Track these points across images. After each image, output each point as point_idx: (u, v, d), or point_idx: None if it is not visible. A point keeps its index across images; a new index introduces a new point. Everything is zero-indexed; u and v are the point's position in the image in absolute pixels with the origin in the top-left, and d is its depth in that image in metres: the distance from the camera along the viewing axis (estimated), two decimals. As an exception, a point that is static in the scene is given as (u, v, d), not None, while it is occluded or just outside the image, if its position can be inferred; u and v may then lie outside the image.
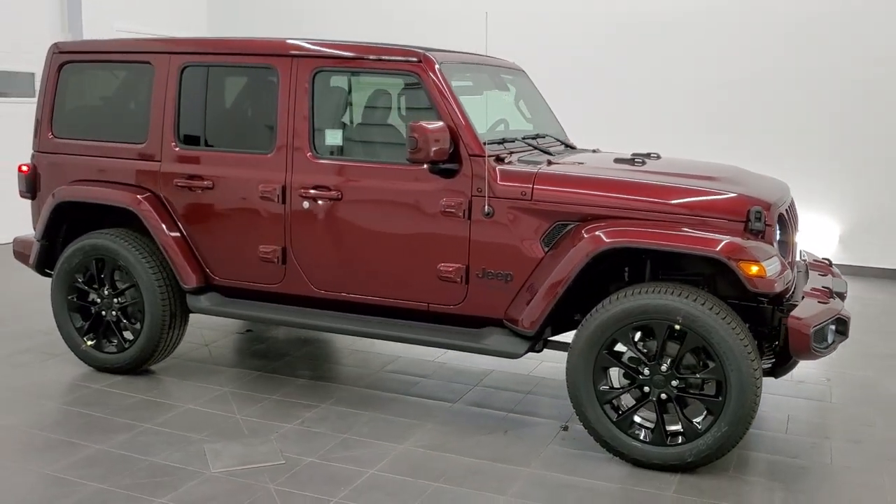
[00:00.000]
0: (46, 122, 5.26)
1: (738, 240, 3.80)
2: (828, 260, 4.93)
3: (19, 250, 5.49)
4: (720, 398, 3.82)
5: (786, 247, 4.21)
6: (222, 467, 3.93)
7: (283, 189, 4.60)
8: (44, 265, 5.33)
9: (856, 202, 8.49)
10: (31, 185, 5.33)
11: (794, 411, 4.80)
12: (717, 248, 3.75)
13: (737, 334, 3.75)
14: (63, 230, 5.27)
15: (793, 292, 4.11)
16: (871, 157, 8.39)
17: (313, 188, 4.54)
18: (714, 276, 4.12)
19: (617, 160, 4.63)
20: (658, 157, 4.87)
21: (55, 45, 5.30)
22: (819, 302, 4.08)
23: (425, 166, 4.25)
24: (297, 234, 4.62)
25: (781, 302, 3.99)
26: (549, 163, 4.41)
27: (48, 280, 5.27)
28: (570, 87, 8.78)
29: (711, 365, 3.82)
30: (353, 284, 4.57)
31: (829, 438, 4.43)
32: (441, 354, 5.69)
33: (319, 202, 4.54)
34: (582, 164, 4.50)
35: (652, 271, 4.18)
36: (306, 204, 4.57)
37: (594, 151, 5.21)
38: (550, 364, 5.43)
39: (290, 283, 4.70)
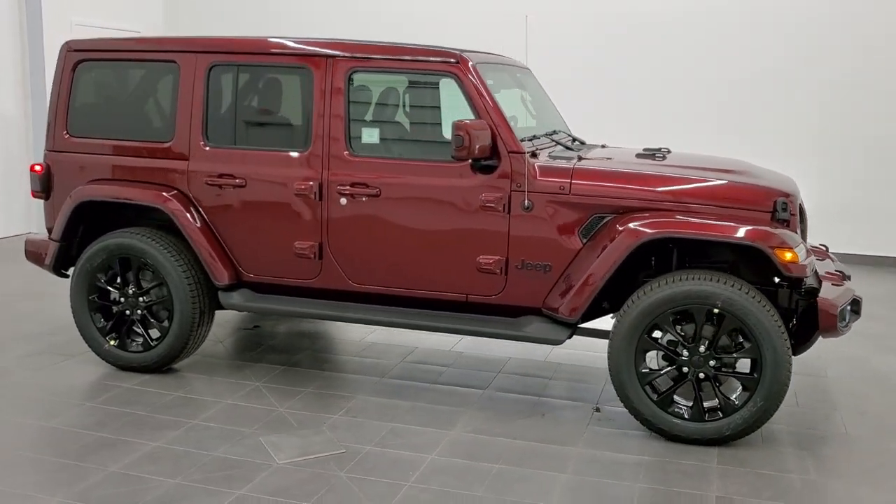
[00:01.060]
0: (61, 121, 5.21)
1: (771, 229, 4.11)
2: (825, 246, 5.31)
3: (33, 250, 5.41)
4: (755, 375, 4.13)
5: (801, 235, 4.55)
6: (287, 458, 4.02)
7: (320, 186, 4.70)
8: (61, 266, 5.29)
9: (825, 192, 8.86)
10: (46, 184, 5.27)
11: (797, 387, 5.16)
12: (756, 237, 4.05)
13: (771, 316, 4.06)
14: (81, 230, 5.23)
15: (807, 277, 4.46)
16: (845, 150, 8.79)
17: (351, 185, 4.66)
18: (737, 262, 4.44)
19: (638, 155, 4.90)
20: (669, 151, 5.16)
21: (67, 43, 5.24)
22: (833, 285, 4.44)
23: (469, 162, 4.43)
24: (335, 229, 4.73)
25: (799, 286, 4.33)
26: (580, 158, 4.64)
27: (41, 280, 5.19)
28: (571, 87, 8.82)
29: (747, 345, 4.13)
30: (391, 277, 4.70)
31: (837, 410, 4.81)
32: (456, 343, 5.87)
33: (357, 199, 4.66)
34: (610, 159, 4.75)
35: (678, 260, 4.47)
36: (343, 200, 4.68)
37: (602, 146, 5.47)
38: (563, 350, 5.68)
39: (326, 278, 4.80)
